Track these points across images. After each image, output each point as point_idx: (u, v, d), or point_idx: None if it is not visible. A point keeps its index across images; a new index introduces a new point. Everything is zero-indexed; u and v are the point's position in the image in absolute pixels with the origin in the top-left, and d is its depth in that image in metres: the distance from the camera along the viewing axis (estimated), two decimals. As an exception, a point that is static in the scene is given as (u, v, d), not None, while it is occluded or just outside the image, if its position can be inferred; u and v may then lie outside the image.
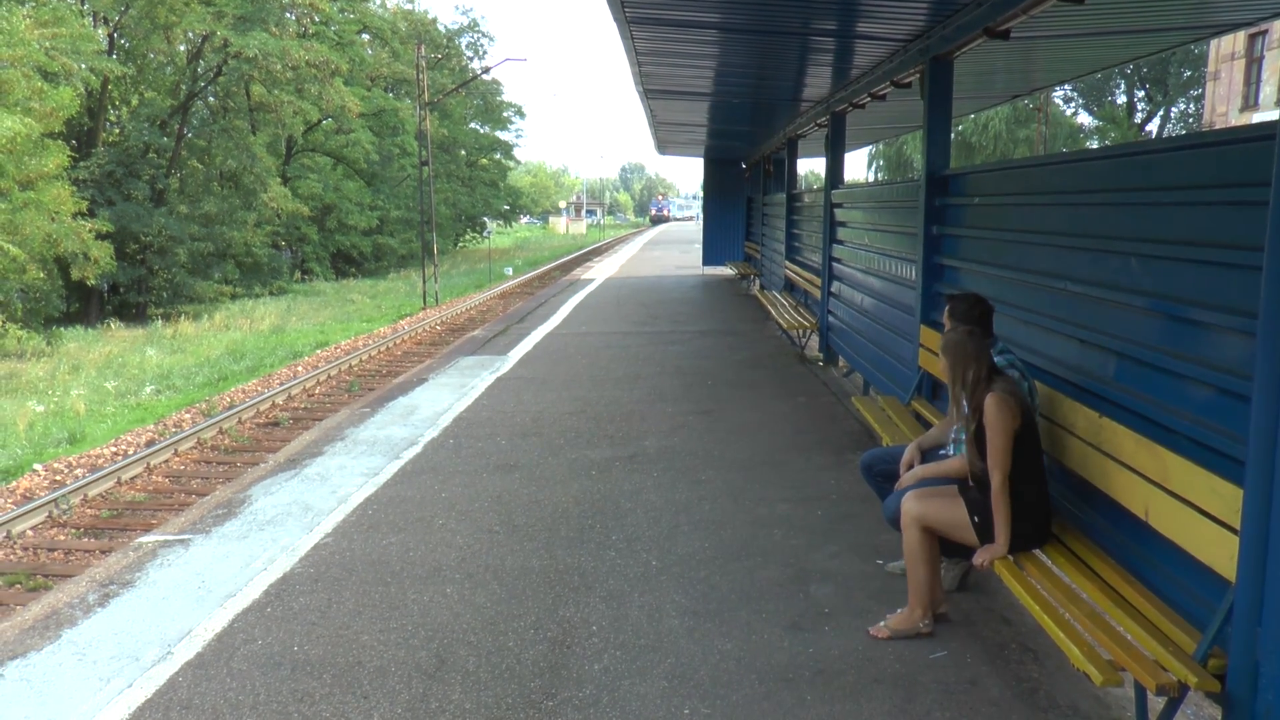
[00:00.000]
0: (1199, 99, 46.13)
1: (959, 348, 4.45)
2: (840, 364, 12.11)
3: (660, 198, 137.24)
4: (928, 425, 6.99)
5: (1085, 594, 3.94)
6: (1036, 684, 4.18)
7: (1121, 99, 54.19)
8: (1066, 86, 49.60)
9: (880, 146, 52.68)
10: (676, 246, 45.56)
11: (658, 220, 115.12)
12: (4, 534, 9.77)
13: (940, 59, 7.60)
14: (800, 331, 13.19)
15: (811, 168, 73.10)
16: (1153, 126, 53.13)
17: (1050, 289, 5.31)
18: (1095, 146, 47.34)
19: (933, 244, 7.52)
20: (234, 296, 36.78)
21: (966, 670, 4.29)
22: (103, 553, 9.30)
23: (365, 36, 52.28)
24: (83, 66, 28.75)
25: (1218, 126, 33.84)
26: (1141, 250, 4.33)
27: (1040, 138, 46.10)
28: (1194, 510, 3.52)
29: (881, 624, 4.67)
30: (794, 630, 4.69)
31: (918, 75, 8.12)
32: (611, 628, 4.71)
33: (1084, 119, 56.17)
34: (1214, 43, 34.35)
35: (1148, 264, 4.28)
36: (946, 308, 5.12)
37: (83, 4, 33.68)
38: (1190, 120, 50.61)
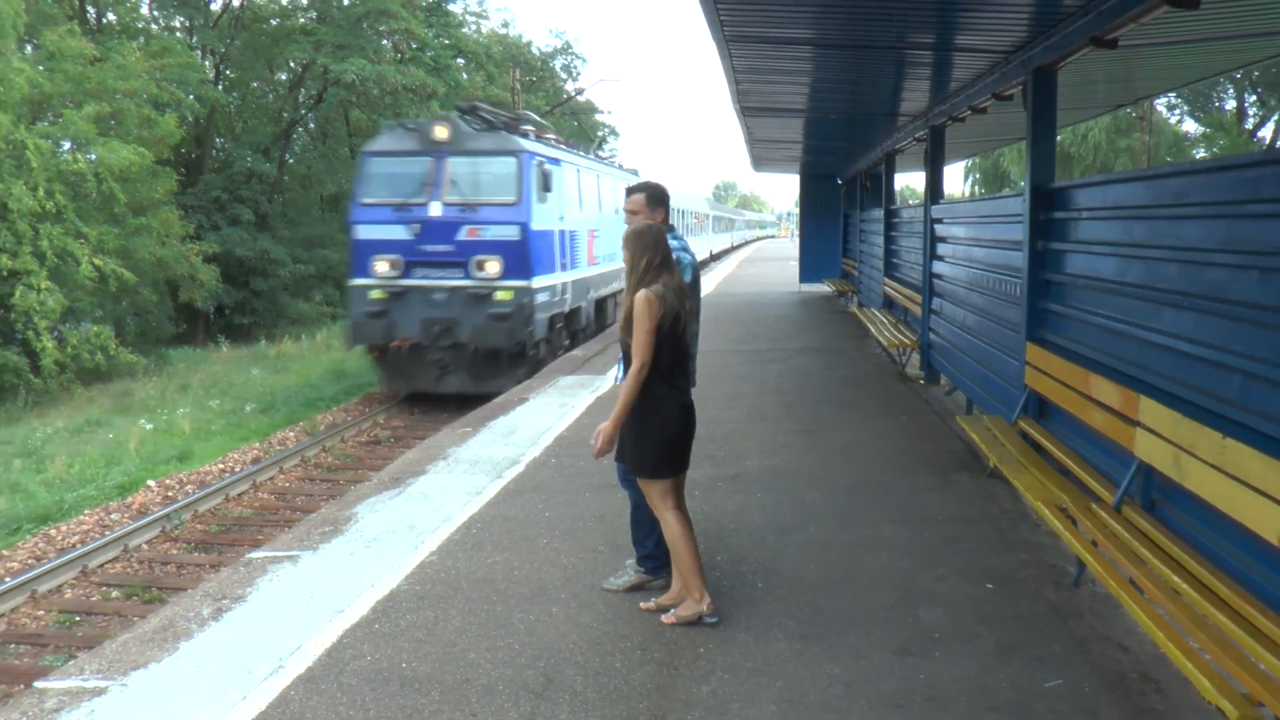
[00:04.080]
0: (1316, 104, 44.39)
1: (638, 238, 4.84)
2: (942, 382, 11.90)
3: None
4: (1035, 445, 6.83)
5: (1212, 622, 3.78)
6: (1160, 716, 4.03)
7: (1230, 104, 52.32)
8: (1171, 94, 48.09)
9: (976, 159, 51.80)
10: (773, 264, 45.35)
11: None
12: (122, 547, 10.10)
13: (1043, 70, 7.44)
14: (900, 349, 13.00)
15: (906, 182, 72.08)
16: (1265, 133, 51.12)
17: (1166, 305, 5.14)
18: (1203, 156, 45.87)
19: (1038, 259, 7.35)
20: (334, 317, 37.56)
21: (1084, 699, 4.16)
22: (213, 567, 9.55)
23: (460, 61, 53.22)
24: (189, 96, 29.81)
25: (1334, 133, 32.52)
26: (1265, 264, 4.16)
27: (1143, 147, 44.80)
28: (1332, 536, 3.37)
29: (652, 600, 5.14)
30: (903, 655, 4.60)
31: (1019, 87, 7.97)
32: (719, 650, 4.68)
33: (1189, 126, 54.36)
34: (1329, 46, 33.04)
35: (1271, 278, 4.11)
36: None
37: (191, 36, 34.93)
38: (1307, 127, 48.65)
